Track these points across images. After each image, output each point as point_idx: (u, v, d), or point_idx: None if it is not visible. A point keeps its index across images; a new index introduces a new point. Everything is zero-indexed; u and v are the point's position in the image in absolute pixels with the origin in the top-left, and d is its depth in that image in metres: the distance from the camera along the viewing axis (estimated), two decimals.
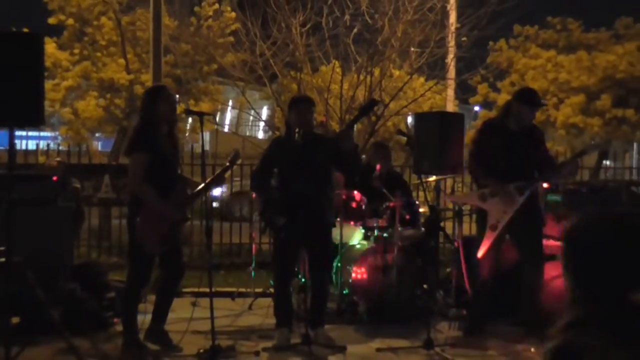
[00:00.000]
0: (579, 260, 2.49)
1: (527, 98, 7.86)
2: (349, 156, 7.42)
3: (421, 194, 8.78)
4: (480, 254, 7.74)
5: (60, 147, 14.85)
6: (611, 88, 20.70)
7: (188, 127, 20.64)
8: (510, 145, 7.69)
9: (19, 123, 6.75)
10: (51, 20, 18.97)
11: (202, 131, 7.27)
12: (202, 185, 7.27)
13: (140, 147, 7.06)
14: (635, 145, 29.13)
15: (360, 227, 8.87)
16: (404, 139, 8.42)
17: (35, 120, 6.66)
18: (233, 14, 17.42)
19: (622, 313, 2.39)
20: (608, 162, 22.13)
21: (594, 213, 2.55)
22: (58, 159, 11.27)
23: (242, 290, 9.63)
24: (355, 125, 8.34)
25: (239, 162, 7.51)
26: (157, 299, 7.42)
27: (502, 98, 20.28)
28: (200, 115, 7.35)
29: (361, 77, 13.12)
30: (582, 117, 20.81)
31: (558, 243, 8.36)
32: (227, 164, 7.36)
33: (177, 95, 18.42)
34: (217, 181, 7.41)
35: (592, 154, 19.57)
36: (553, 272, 8.17)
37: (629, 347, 2.32)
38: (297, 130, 7.38)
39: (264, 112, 22.03)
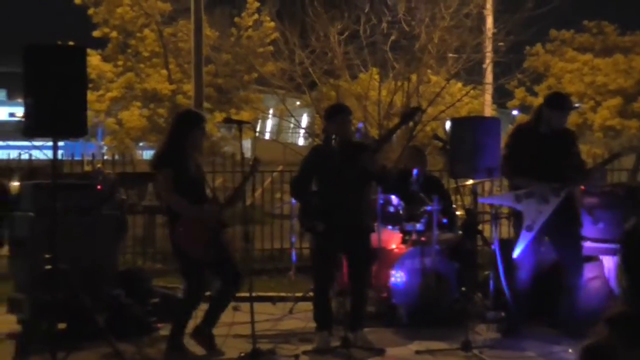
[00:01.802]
0: (633, 261, 2.56)
1: (557, 103, 7.94)
2: (376, 177, 7.64)
3: (457, 197, 8.85)
4: (515, 254, 7.81)
5: (105, 157, 15.13)
6: None
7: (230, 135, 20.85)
8: (542, 149, 7.73)
9: (63, 134, 6.93)
10: (96, 34, 19.32)
11: (240, 138, 7.45)
12: (231, 194, 7.46)
13: (166, 163, 7.20)
14: None
15: (398, 231, 8.94)
16: (440, 143, 8.49)
17: (79, 131, 6.84)
18: (272, 24, 17.63)
19: None
20: None
21: None
22: (108, 171, 11.47)
23: (283, 294, 9.72)
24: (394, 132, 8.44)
25: (260, 169, 7.60)
26: (211, 303, 7.48)
27: (539, 102, 20.28)
28: (239, 123, 7.51)
29: (399, 84, 13.22)
30: (619, 119, 20.79)
31: (595, 245, 8.40)
32: (249, 170, 7.48)
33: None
34: (242, 189, 7.56)
35: (629, 155, 19.47)
36: (591, 274, 8.21)
37: None
38: (334, 137, 7.52)
39: (304, 119, 22.18)
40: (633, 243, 2.56)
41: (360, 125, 9.33)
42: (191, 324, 7.36)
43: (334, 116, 7.69)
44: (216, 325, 7.48)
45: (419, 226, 8.75)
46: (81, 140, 18.19)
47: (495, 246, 8.37)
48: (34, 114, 6.58)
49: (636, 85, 20.63)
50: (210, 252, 7.17)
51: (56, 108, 6.49)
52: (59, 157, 8.71)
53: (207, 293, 7.55)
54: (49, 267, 6.67)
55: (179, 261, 7.40)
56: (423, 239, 8.70)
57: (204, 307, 7.44)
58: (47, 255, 6.70)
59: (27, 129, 6.76)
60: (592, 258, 8.37)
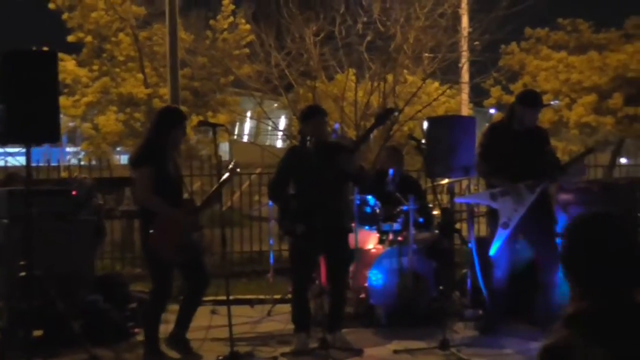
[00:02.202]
0: (573, 258, 2.58)
1: (529, 100, 8.00)
2: (353, 177, 7.62)
3: (434, 196, 8.88)
4: (492, 252, 7.84)
5: (82, 162, 15.06)
6: (622, 87, 20.86)
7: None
8: (516, 146, 7.78)
9: (36, 140, 6.88)
10: (70, 38, 19.27)
11: (215, 142, 7.42)
12: (209, 195, 7.45)
13: (146, 162, 7.11)
14: None
15: (375, 232, 8.95)
16: (415, 143, 8.51)
17: (51, 136, 6.80)
18: (248, 26, 17.65)
19: (611, 310, 2.47)
20: (624, 160, 22.13)
21: (588, 212, 2.64)
22: (84, 176, 11.43)
23: (262, 297, 9.71)
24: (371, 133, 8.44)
25: (238, 171, 7.61)
26: (181, 306, 7.44)
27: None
28: (213, 126, 7.50)
29: (375, 84, 13.24)
30: (595, 116, 20.94)
31: None
32: (227, 174, 7.46)
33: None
34: (219, 192, 7.56)
35: (605, 152, 19.57)
36: None
37: (607, 343, 2.40)
38: (309, 138, 7.53)
39: (282, 121, 22.19)
40: (570, 239, 2.58)
41: (337, 126, 9.35)
42: (165, 330, 7.33)
43: (309, 118, 7.69)
44: (189, 328, 7.44)
45: (395, 226, 8.77)
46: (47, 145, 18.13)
47: (472, 244, 8.40)
48: (5, 120, 6.54)
49: (611, 82, 20.79)
50: (181, 254, 7.13)
51: (28, 114, 6.45)
52: (35, 163, 8.67)
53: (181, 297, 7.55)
54: (23, 273, 6.63)
55: (148, 261, 7.35)
56: (400, 238, 8.72)
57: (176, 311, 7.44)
58: (22, 262, 6.65)
59: None
60: None
